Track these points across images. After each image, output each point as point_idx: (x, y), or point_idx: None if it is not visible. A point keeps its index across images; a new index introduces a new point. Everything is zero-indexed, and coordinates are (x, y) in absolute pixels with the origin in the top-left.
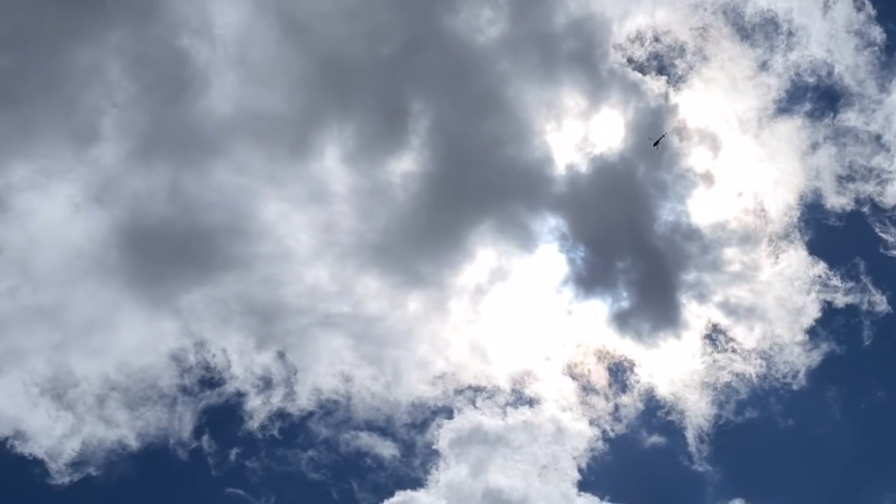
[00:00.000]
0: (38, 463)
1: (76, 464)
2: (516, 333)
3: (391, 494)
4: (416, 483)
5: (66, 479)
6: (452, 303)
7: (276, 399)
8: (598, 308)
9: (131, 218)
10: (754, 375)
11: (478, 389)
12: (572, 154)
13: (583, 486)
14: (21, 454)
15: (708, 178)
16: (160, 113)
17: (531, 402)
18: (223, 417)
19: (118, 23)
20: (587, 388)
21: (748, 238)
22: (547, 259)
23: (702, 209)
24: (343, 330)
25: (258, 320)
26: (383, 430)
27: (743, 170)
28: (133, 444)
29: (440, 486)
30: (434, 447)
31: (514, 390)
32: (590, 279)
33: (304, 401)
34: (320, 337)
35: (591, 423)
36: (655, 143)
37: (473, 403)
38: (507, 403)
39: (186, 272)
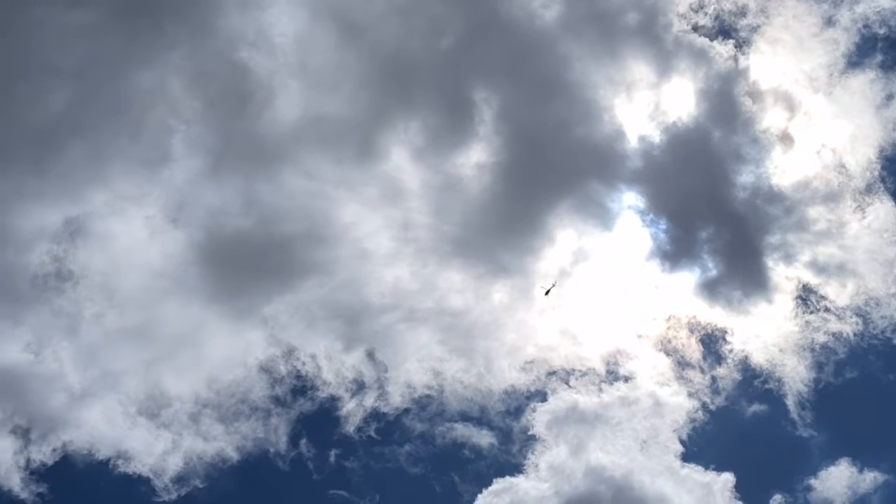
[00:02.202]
0: (143, 481)
1: (181, 479)
2: (604, 313)
3: (491, 482)
4: (516, 469)
5: (174, 495)
6: (537, 289)
7: (370, 400)
8: (685, 280)
9: (208, 234)
10: (851, 333)
11: (570, 371)
12: (644, 126)
13: (686, 457)
14: (125, 473)
15: (784, 138)
16: (226, 127)
17: (626, 379)
18: (319, 423)
19: (176, 42)
20: (682, 363)
21: (831, 195)
22: (628, 235)
23: (781, 170)
24: (429, 325)
25: (343, 323)
26: (478, 419)
27: (818, 128)
28: (233, 455)
29: (540, 469)
30: (531, 432)
31: (608, 371)
32: (674, 251)
33: (397, 399)
34: (407, 334)
35: (690, 395)
36: (547, 293)
37: (567, 383)
38: (602, 381)
39: (267, 282)
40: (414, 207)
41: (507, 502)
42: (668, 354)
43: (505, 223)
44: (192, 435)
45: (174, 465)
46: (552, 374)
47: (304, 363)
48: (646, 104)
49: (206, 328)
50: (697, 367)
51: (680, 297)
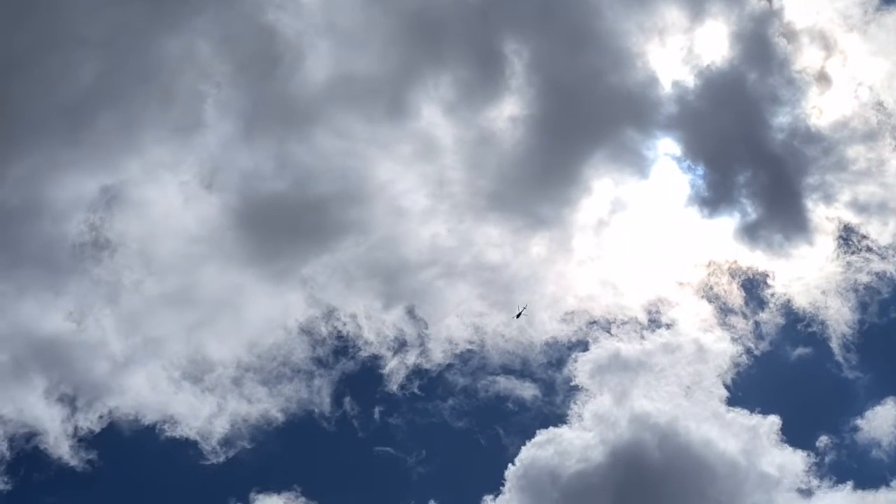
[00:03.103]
0: (190, 444)
1: (227, 441)
2: (644, 261)
3: (535, 434)
4: (560, 420)
5: (221, 458)
6: (576, 240)
7: (412, 357)
8: (725, 225)
9: (242, 198)
10: (894, 273)
11: (611, 321)
12: (678, 71)
13: (731, 401)
14: (172, 437)
15: (821, 78)
16: (257, 90)
17: (668, 327)
18: (362, 382)
19: (202, 7)
20: (724, 309)
21: (870, 134)
22: (665, 182)
23: (818, 110)
24: (468, 280)
25: (382, 281)
26: (520, 372)
27: (855, 66)
28: (278, 416)
29: (584, 419)
30: (573, 382)
31: (649, 319)
32: (712, 197)
33: (438, 355)
34: (446, 290)
35: (733, 341)
36: (518, 315)
37: (608, 332)
38: (644, 329)
39: (304, 243)
40: (448, 163)
41: (551, 453)
42: (709, 301)
43: (540, 175)
44: (237, 398)
45: (220, 427)
46: (593, 323)
47: (344, 323)
48: (679, 49)
49: (244, 292)
50: (740, 312)
51: (720, 242)
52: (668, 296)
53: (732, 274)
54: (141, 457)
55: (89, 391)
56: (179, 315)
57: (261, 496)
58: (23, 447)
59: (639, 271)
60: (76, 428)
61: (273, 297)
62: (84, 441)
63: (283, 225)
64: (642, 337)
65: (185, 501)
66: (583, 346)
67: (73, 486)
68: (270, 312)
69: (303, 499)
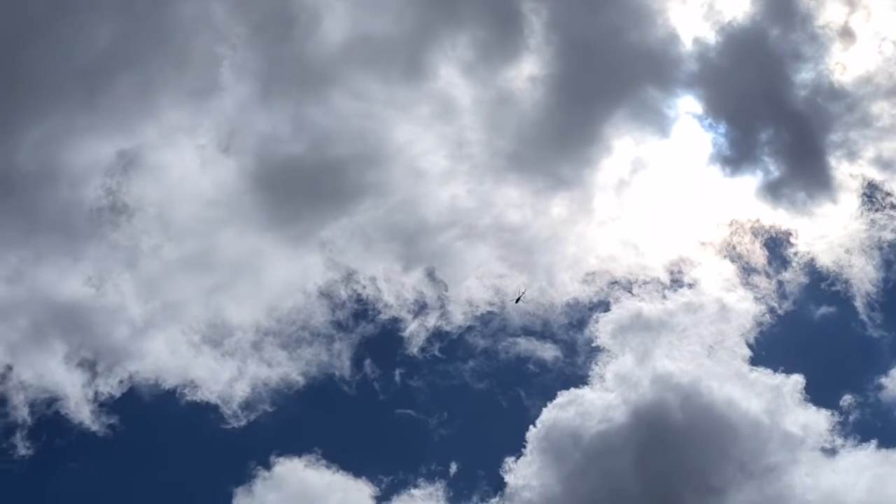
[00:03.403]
0: (211, 408)
1: (248, 405)
2: (666, 221)
3: (556, 395)
4: (581, 381)
5: (243, 421)
6: (596, 200)
7: (432, 320)
8: (747, 183)
9: (260, 161)
10: None
11: (633, 281)
12: (699, 27)
13: (754, 361)
14: (193, 401)
15: (844, 33)
16: (273, 52)
17: (690, 286)
18: (382, 345)
19: None
20: (746, 268)
21: (895, 90)
22: (687, 141)
23: (842, 66)
24: (488, 242)
25: (401, 244)
26: (541, 333)
27: (879, 21)
28: (298, 380)
29: (606, 380)
30: (595, 343)
31: (672, 279)
32: (734, 155)
33: (459, 317)
34: (466, 252)
35: (756, 300)
36: (517, 300)
37: (630, 292)
38: (666, 289)
39: (322, 206)
40: (467, 124)
41: (572, 414)
42: (732, 260)
43: (560, 135)
44: (257, 362)
45: (241, 391)
46: (614, 284)
47: (364, 286)
48: (699, 5)
49: (263, 256)
50: (763, 271)
51: (742, 201)
52: (690, 255)
53: (755, 233)
54: (162, 421)
55: (109, 356)
56: (198, 279)
57: (281, 459)
58: (44, 412)
59: (660, 231)
60: (97, 393)
61: (292, 260)
62: (105, 406)
63: (301, 188)
64: (664, 297)
65: (206, 465)
66: (604, 306)
67: (94, 450)
68: (289, 276)
69: (324, 461)
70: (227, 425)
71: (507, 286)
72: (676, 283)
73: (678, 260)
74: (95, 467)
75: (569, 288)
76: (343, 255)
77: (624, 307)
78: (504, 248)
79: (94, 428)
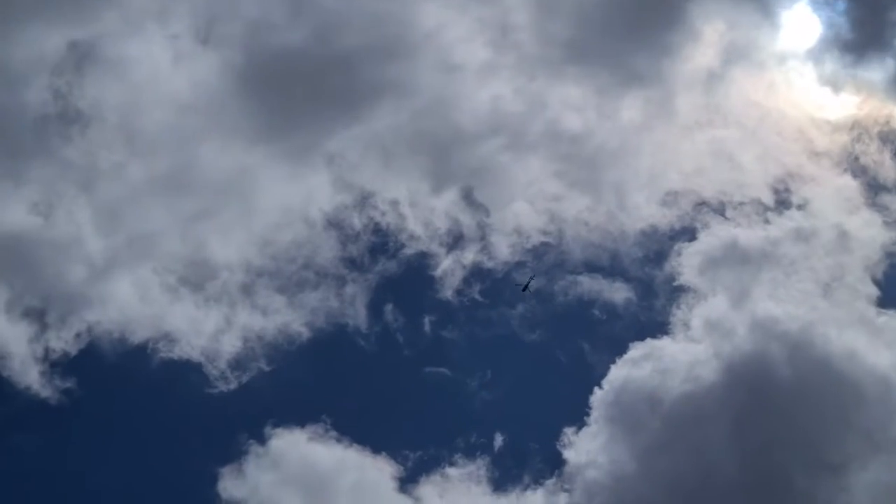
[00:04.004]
0: (193, 367)
1: (239, 363)
2: (769, 125)
3: (628, 348)
4: (660, 329)
5: (233, 384)
6: (679, 99)
7: (470, 254)
8: (873, 77)
9: (248, 54)
10: None
11: (726, 202)
12: None
13: (882, 302)
14: (169, 359)
15: None
16: None
17: (800, 208)
18: (407, 288)
19: None
20: (873, 184)
21: None
22: (795, 23)
23: None
24: (540, 154)
25: (430, 158)
26: (609, 270)
27: None
28: (302, 332)
29: (692, 328)
30: (677, 281)
31: (776, 200)
32: (856, 40)
33: (504, 250)
34: (512, 167)
35: (886, 225)
36: (524, 288)
37: (723, 216)
38: (769, 211)
39: (329, 111)
40: (513, 4)
41: (649, 371)
42: (854, 174)
43: (633, 17)
44: (248, 309)
45: (230, 346)
46: (702, 206)
47: (382, 213)
48: None
49: (253, 175)
50: (894, 188)
51: (867, 98)
52: (799, 169)
53: (883, 139)
54: (132, 384)
55: (62, 303)
56: (172, 206)
57: (279, 431)
58: None
59: (761, 138)
60: (47, 350)
61: (290, 180)
62: (58, 366)
63: (301, 88)
64: (766, 221)
65: (186, 438)
66: (689, 234)
67: (45, 421)
68: (287, 201)
69: (333, 433)
70: (213, 389)
71: (565, 211)
72: (782, 204)
73: (784, 174)
74: (46, 442)
75: (644, 212)
76: (356, 174)
77: (715, 235)
78: (561, 162)
79: (45, 394)
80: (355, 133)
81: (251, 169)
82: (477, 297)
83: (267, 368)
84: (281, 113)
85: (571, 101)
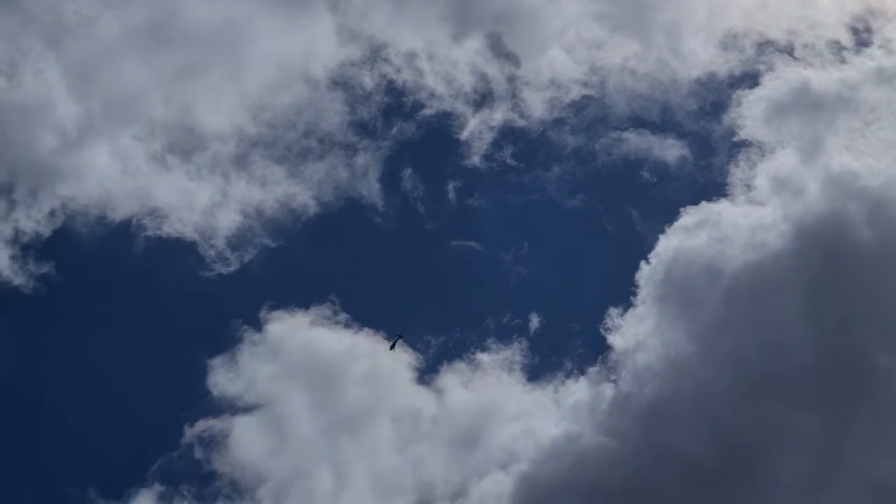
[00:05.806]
0: (185, 246)
1: (239, 240)
2: None
3: (680, 213)
4: (718, 191)
5: (234, 266)
6: None
7: (500, 113)
8: None
9: None
10: None
11: (795, 41)
12: None
13: None
14: (158, 237)
15: None
16: None
17: (882, 47)
18: (428, 153)
19: None
20: None
21: None
22: None
23: None
24: None
25: (450, 1)
26: (660, 124)
27: None
28: (309, 205)
29: (755, 187)
30: (738, 135)
31: (855, 40)
32: None
33: (538, 106)
34: (547, 8)
35: None
36: (392, 346)
37: (791, 56)
38: (844, 50)
39: None
40: None
41: (705, 240)
42: None
43: None
44: (245, 182)
45: (228, 221)
46: (767, 46)
47: (397, 68)
48: None
49: (245, 25)
50: None
51: None
52: (881, 3)
53: None
54: (116, 267)
55: (32, 176)
56: (152, 63)
57: (277, 313)
58: None
59: None
60: (16, 231)
61: (288, 31)
62: (30, 249)
63: None
64: (843, 61)
65: (180, 328)
66: (752, 80)
67: (20, 312)
68: (286, 55)
69: (342, 316)
70: (210, 271)
71: (608, 59)
72: (861, 42)
73: (864, 10)
74: (20, 335)
75: (700, 56)
76: (365, 21)
77: (782, 79)
78: (602, 2)
79: (18, 281)
80: None
81: (244, 19)
82: (508, 160)
83: (273, 245)
84: None
85: None
